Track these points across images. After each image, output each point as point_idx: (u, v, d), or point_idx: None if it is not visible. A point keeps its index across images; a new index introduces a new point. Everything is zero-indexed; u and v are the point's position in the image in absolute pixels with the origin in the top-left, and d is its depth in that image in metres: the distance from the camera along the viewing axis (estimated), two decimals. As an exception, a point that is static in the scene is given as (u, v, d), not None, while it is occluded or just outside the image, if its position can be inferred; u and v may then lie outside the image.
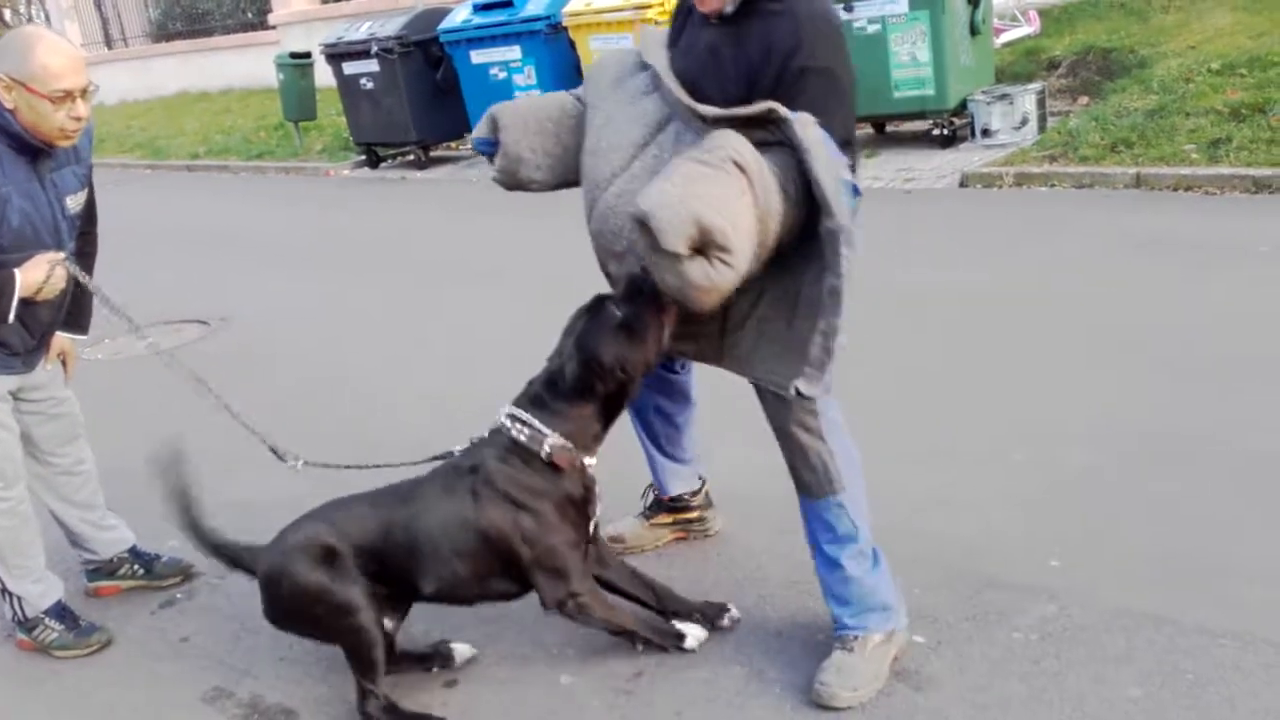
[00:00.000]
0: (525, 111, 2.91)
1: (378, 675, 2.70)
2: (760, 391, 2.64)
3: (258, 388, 5.14)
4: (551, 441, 2.64)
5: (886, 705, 2.58)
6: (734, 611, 2.96)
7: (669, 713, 2.67)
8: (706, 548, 3.36)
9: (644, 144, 2.61)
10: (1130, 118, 7.37)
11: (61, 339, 3.30)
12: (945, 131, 8.08)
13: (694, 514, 3.40)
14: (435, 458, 2.86)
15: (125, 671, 3.17)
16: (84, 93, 2.82)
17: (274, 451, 3.12)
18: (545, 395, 2.68)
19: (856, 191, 2.52)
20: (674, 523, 3.39)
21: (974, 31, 8.09)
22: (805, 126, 2.36)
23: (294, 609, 2.73)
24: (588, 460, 2.71)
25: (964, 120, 8.15)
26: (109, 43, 20.65)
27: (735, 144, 2.35)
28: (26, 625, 3.27)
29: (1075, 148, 7.21)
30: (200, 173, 13.12)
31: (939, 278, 5.47)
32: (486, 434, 2.75)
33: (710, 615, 2.95)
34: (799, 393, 2.53)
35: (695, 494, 3.38)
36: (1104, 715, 2.47)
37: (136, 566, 3.58)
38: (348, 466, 3.12)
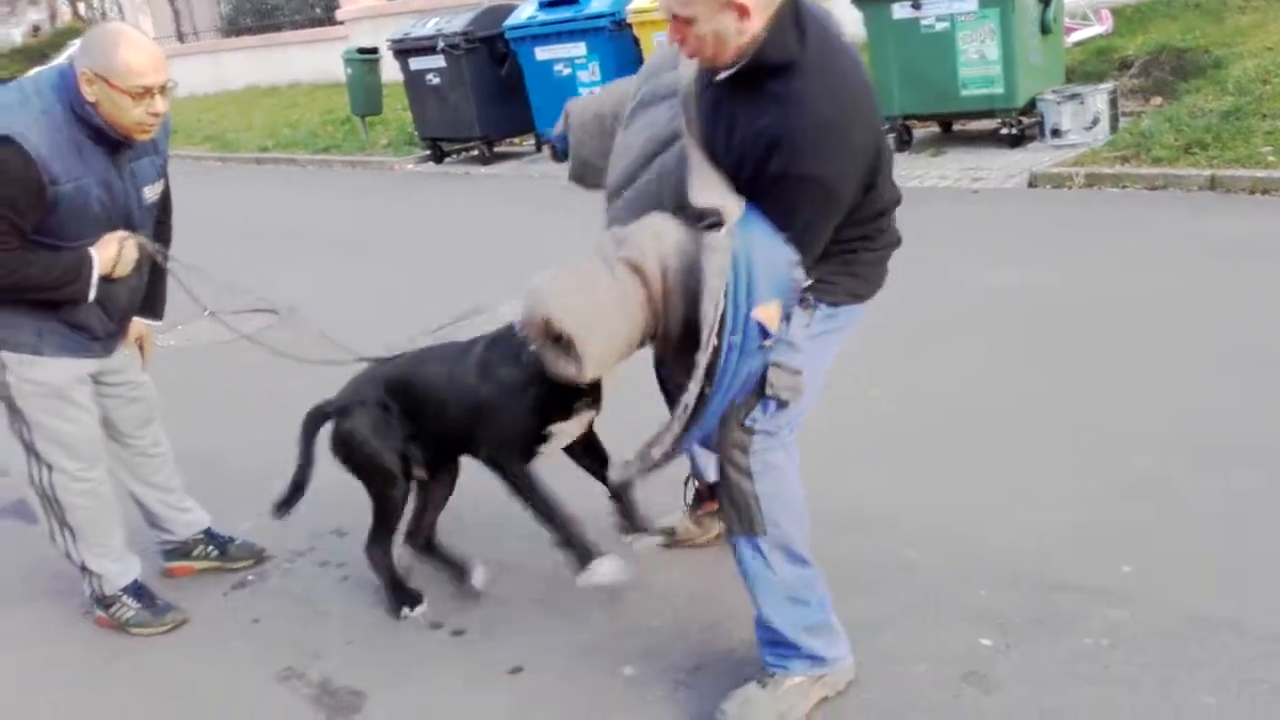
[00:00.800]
0: (591, 110, 2.89)
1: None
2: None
3: (324, 372, 5.21)
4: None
5: (954, 707, 2.56)
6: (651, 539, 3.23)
7: (731, 707, 2.68)
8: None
9: (646, 162, 2.59)
10: (1205, 119, 7.22)
11: (138, 325, 3.39)
12: (1014, 131, 7.98)
13: None
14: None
15: (199, 651, 3.24)
16: (163, 89, 2.89)
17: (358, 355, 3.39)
18: None
19: (806, 300, 2.43)
20: (720, 511, 3.38)
21: (1045, 30, 7.97)
22: (711, 253, 2.27)
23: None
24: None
25: (1033, 120, 8.03)
26: (180, 37, 21.07)
27: (649, 238, 2.36)
28: (104, 602, 3.36)
29: (1148, 149, 7.08)
30: (268, 165, 13.33)
31: (1007, 278, 5.41)
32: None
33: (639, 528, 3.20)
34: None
35: None
36: (1176, 722, 2.44)
37: (211, 548, 3.67)
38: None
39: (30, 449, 3.16)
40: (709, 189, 2.35)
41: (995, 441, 3.80)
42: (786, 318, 2.38)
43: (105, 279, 3.02)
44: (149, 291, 3.33)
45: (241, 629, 3.32)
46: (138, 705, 3.03)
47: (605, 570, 2.91)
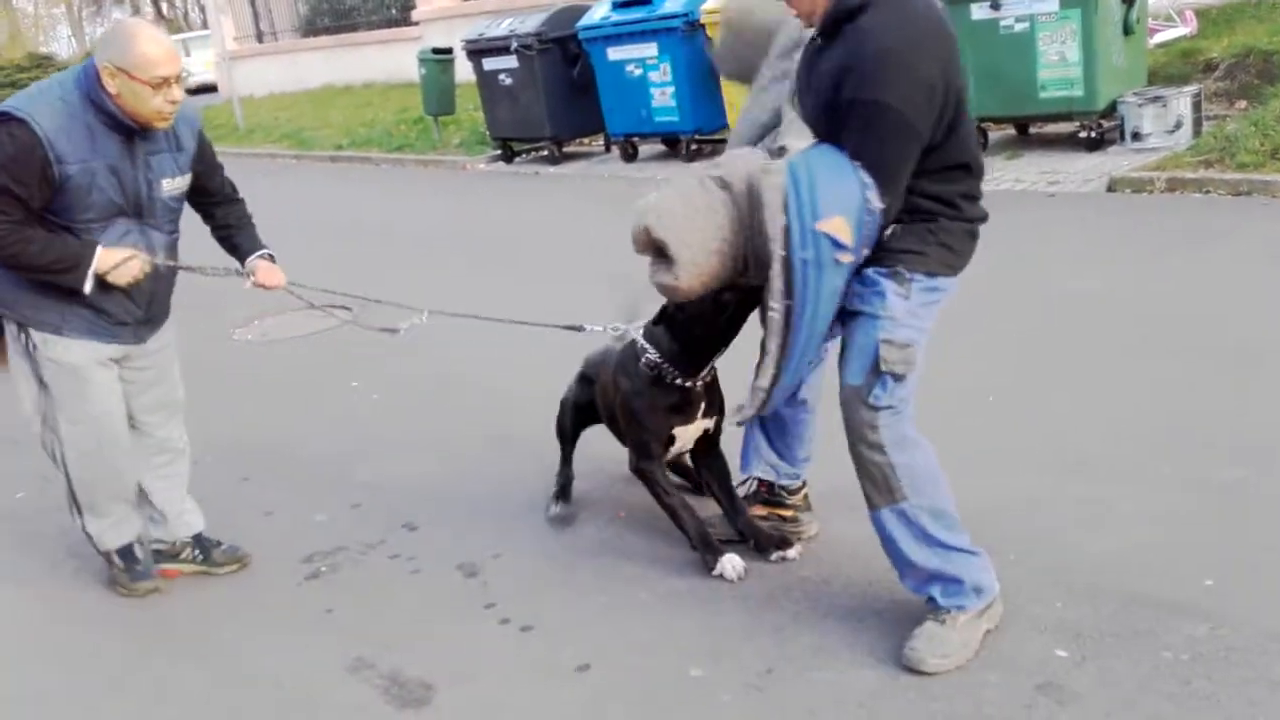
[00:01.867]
0: (746, 23, 3.09)
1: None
2: (840, 399, 2.73)
3: (394, 370, 5.29)
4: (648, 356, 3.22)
5: (1027, 717, 2.52)
6: (792, 552, 3.26)
7: (800, 712, 2.66)
8: (835, 549, 3.33)
9: (761, 134, 2.84)
10: (1293, 123, 7.02)
11: (261, 267, 3.52)
12: (1093, 134, 7.83)
13: (789, 512, 3.41)
14: (568, 327, 3.42)
15: (271, 640, 3.29)
16: (178, 79, 3.07)
17: (388, 330, 3.67)
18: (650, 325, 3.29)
19: (878, 223, 2.56)
20: (767, 517, 3.40)
21: (1127, 31, 7.81)
22: (766, 175, 2.51)
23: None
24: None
25: (1113, 123, 7.88)
26: (260, 37, 21.49)
27: (739, 160, 2.59)
28: (105, 557, 3.60)
29: (1233, 154, 6.90)
30: (343, 164, 13.55)
31: (1085, 284, 5.31)
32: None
33: (761, 542, 3.29)
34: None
35: (793, 493, 3.40)
36: (1259, 742, 2.38)
37: (196, 552, 3.70)
38: (471, 316, 3.68)
39: (45, 420, 3.38)
40: (789, 134, 2.62)
41: (1075, 450, 3.73)
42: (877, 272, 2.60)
43: (103, 279, 3.16)
44: (235, 240, 3.57)
45: (314, 619, 3.37)
46: (209, 690, 3.09)
47: (727, 568, 3.21)
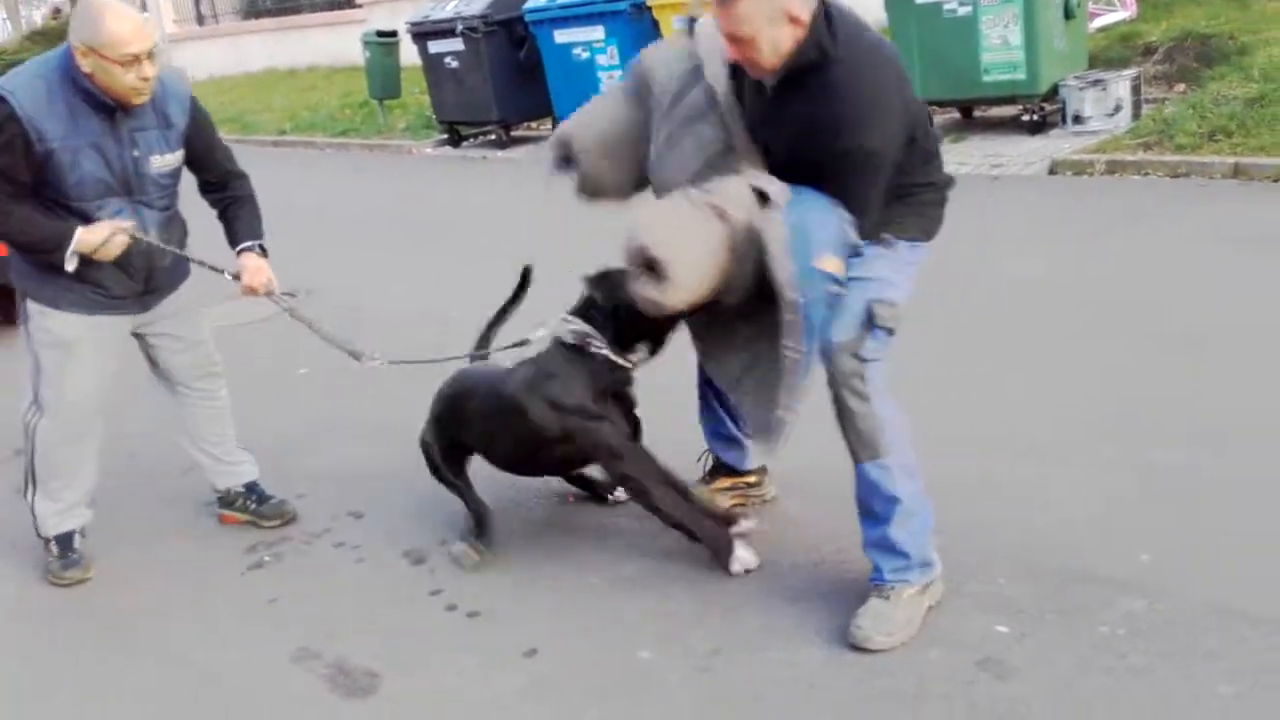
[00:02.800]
0: (598, 136, 3.08)
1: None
2: (822, 353, 2.77)
3: (342, 356, 5.23)
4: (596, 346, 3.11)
5: (969, 693, 2.56)
6: (745, 525, 3.17)
7: (749, 694, 2.68)
8: (784, 530, 3.35)
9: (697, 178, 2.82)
10: (1229, 106, 7.15)
11: (249, 267, 3.44)
12: (1035, 117, 7.92)
13: (752, 478, 3.47)
14: (515, 344, 3.37)
15: (215, 630, 3.26)
16: (149, 55, 3.05)
17: (353, 355, 3.57)
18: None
19: (887, 240, 2.79)
20: (732, 488, 3.44)
21: (1068, 15, 7.90)
22: (769, 225, 2.61)
23: None
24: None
25: (1055, 106, 7.97)
26: (200, 20, 21.07)
27: (732, 190, 2.67)
28: (42, 541, 3.61)
29: (1171, 136, 7.02)
30: (286, 148, 13.35)
31: (1026, 266, 5.38)
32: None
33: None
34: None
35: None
36: (1192, 712, 2.42)
37: (250, 502, 3.82)
38: (427, 361, 3.55)
39: (34, 391, 3.42)
40: (760, 179, 2.71)
41: (1014, 430, 3.79)
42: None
43: (86, 258, 3.18)
44: (230, 220, 3.52)
45: (258, 609, 3.33)
46: (153, 682, 3.04)
47: (742, 563, 3.12)
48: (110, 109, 3.12)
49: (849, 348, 2.72)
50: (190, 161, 3.41)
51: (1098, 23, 9.19)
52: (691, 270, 2.68)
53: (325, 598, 3.34)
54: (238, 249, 3.49)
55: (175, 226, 3.46)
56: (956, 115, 8.69)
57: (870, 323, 2.71)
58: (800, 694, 2.65)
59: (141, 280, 3.38)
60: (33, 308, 3.34)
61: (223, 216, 3.55)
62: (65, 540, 3.59)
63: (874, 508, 2.81)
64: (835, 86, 2.57)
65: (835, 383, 2.75)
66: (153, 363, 3.62)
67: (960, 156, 7.78)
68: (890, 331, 2.74)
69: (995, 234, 6.00)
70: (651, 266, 2.68)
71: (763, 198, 2.64)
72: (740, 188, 2.69)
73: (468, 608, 3.17)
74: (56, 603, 3.52)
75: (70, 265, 3.16)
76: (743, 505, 3.41)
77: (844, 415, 2.77)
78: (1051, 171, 7.15)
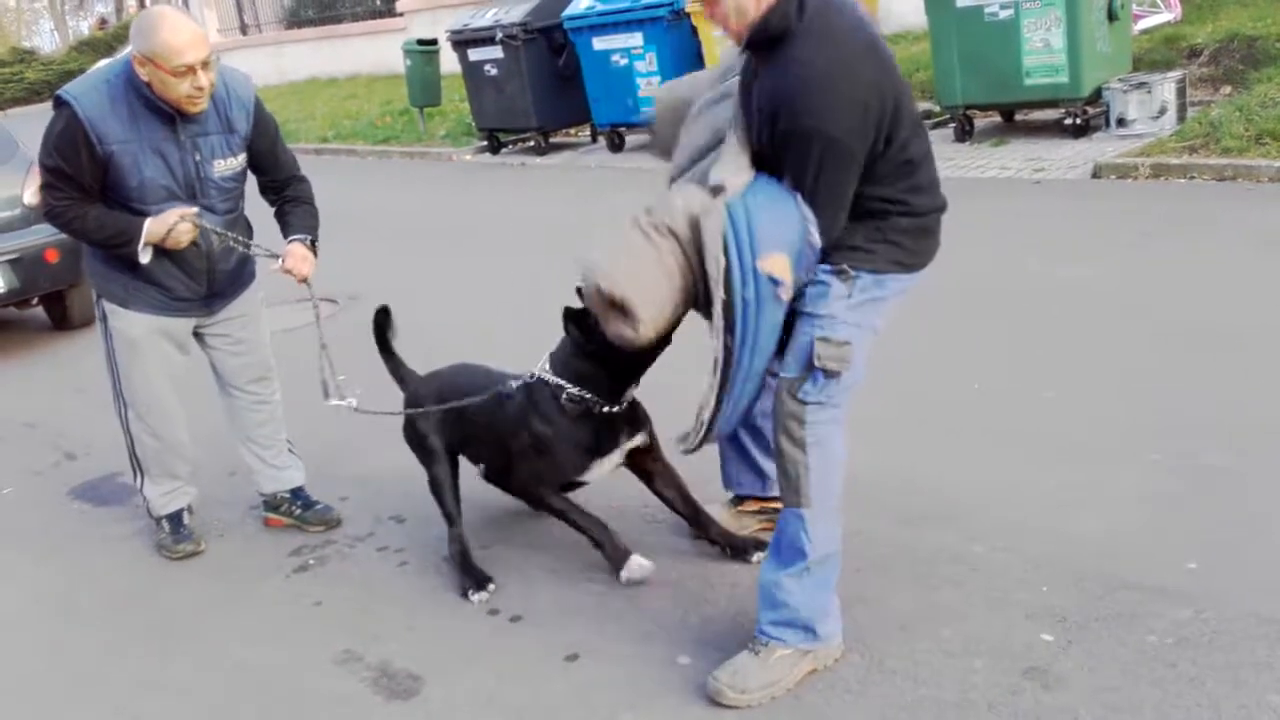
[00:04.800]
0: (674, 95, 3.04)
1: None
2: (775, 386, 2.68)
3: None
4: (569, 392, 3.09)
5: (1014, 703, 2.53)
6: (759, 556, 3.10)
7: (787, 700, 2.67)
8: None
9: (704, 155, 2.72)
10: (1277, 109, 7.04)
11: (294, 252, 3.50)
12: (1078, 121, 7.84)
13: (778, 504, 3.38)
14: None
15: (261, 632, 3.30)
16: (205, 65, 3.14)
17: (324, 388, 3.45)
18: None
19: (845, 272, 2.57)
20: (760, 511, 3.38)
21: (1112, 17, 7.82)
22: (706, 217, 2.47)
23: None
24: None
25: (1098, 109, 7.89)
26: (244, 29, 21.37)
27: (678, 201, 2.54)
28: (155, 521, 3.85)
29: (1217, 139, 6.92)
30: (328, 156, 13.49)
31: (1070, 271, 5.32)
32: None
33: (738, 548, 3.24)
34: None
35: None
36: (1243, 723, 2.39)
37: (295, 507, 3.90)
38: (393, 413, 3.54)
39: (115, 387, 3.63)
40: (727, 166, 2.55)
41: (1061, 436, 3.75)
42: (823, 283, 2.56)
43: (161, 248, 3.33)
44: (287, 218, 3.60)
45: (303, 611, 3.37)
46: (198, 681, 3.09)
47: (633, 569, 3.16)
48: (171, 115, 3.22)
49: (788, 387, 2.59)
50: (253, 164, 3.51)
51: (1142, 25, 9.09)
52: (654, 302, 2.56)
53: (369, 601, 3.37)
54: (289, 239, 3.55)
55: (239, 229, 3.54)
56: (998, 119, 8.63)
57: (810, 362, 2.54)
58: (839, 700, 2.64)
59: (204, 282, 3.50)
60: (107, 307, 3.50)
61: (279, 214, 3.64)
62: (175, 519, 3.81)
63: (780, 549, 2.69)
64: (790, 60, 2.41)
65: (775, 419, 2.65)
66: (211, 363, 3.75)
67: (1002, 160, 7.73)
68: (830, 374, 2.54)
69: (1037, 237, 5.95)
70: (616, 305, 2.58)
71: (716, 190, 2.52)
72: (690, 193, 2.57)
73: (509, 612, 3.19)
74: (104, 602, 3.58)
75: (145, 257, 3.31)
76: (770, 530, 3.37)
77: (777, 454, 2.68)
78: (1095, 175, 7.07)
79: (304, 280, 3.49)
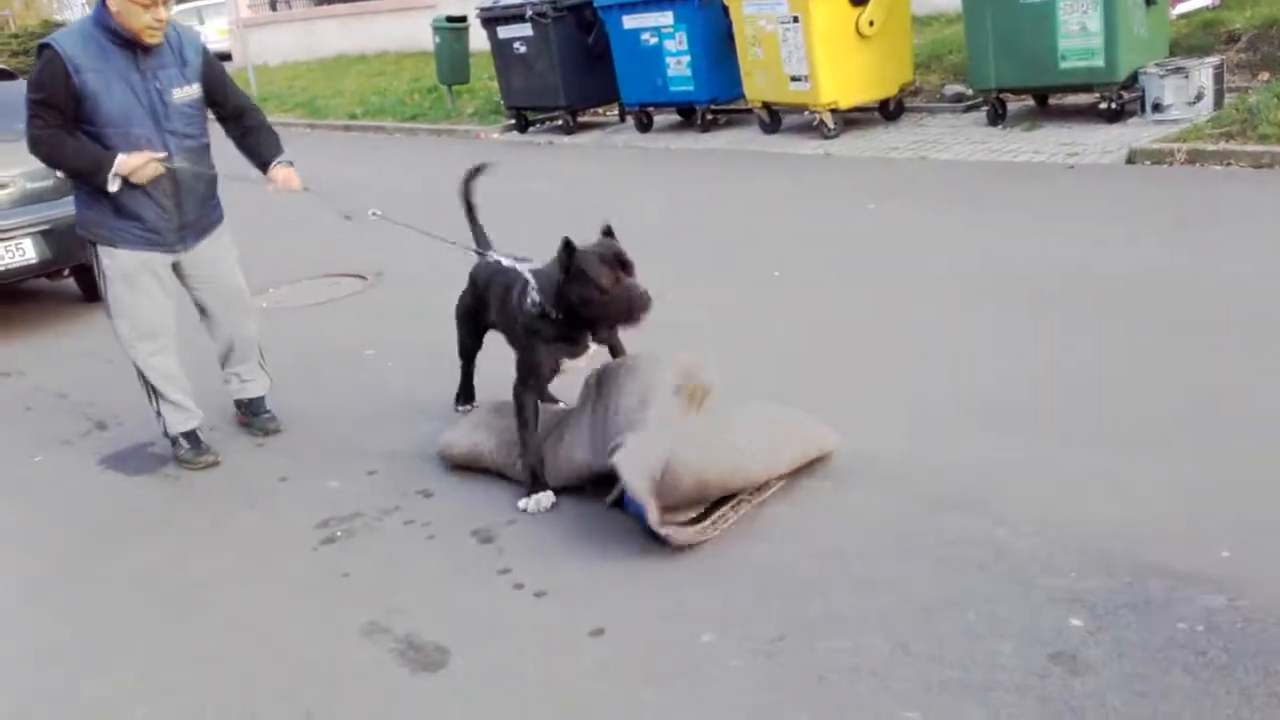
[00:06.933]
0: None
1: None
2: None
3: (409, 338, 5.30)
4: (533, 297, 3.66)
5: (1041, 686, 2.52)
6: None
7: (810, 680, 2.66)
8: (848, 517, 3.32)
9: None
10: (1317, 95, 6.94)
11: (280, 174, 4.12)
12: (1113, 105, 7.75)
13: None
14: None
15: (286, 604, 3.31)
16: (164, 1, 3.72)
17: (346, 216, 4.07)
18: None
19: None
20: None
21: (1149, 1, 7.71)
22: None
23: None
24: None
25: (1133, 94, 7.79)
26: (274, 5, 21.42)
27: None
28: (171, 441, 4.32)
29: (1255, 125, 6.82)
30: (356, 133, 13.53)
31: (1102, 257, 5.27)
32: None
33: None
34: None
35: None
36: (1274, 711, 2.36)
37: (248, 414, 4.57)
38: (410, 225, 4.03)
39: (115, 326, 4.10)
40: None
41: (1093, 421, 3.71)
42: None
43: (128, 181, 3.82)
44: (252, 145, 4.17)
45: (330, 583, 3.39)
46: (226, 654, 3.11)
47: (534, 503, 3.57)
48: (133, 46, 3.76)
49: None
50: (210, 98, 4.02)
51: (1179, 9, 8.97)
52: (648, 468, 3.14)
53: (396, 574, 3.38)
54: (268, 167, 4.08)
55: (204, 162, 4.02)
56: (1031, 103, 8.54)
57: None
58: (863, 682, 2.63)
59: (173, 207, 3.97)
60: (100, 251, 3.98)
61: (242, 144, 4.17)
62: (191, 436, 4.29)
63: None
64: None
65: None
66: (192, 298, 4.25)
67: (1035, 145, 7.65)
68: None
69: (1070, 222, 5.88)
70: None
71: None
72: None
73: (535, 587, 3.19)
74: (132, 571, 3.61)
75: (113, 186, 3.80)
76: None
77: None
78: (1129, 160, 6.99)
79: (303, 189, 4.06)
